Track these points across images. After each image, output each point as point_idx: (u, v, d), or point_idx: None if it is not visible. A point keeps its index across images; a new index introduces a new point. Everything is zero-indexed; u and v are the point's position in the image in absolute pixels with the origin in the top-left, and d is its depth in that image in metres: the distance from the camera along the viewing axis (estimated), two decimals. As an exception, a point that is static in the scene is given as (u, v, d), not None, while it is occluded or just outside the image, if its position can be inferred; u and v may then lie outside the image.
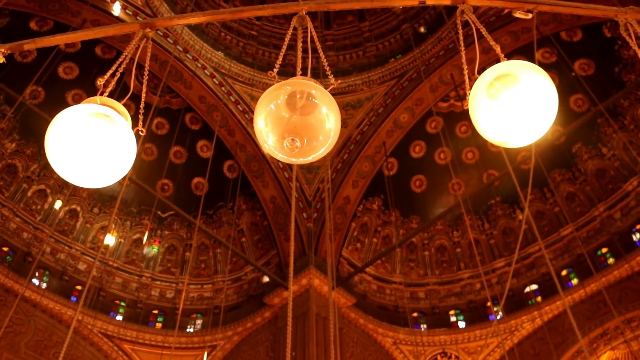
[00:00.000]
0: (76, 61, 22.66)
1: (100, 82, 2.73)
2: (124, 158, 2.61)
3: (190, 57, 22.23)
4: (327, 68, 3.08)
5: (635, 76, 20.67)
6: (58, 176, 22.90)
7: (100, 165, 2.56)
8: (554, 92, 2.95)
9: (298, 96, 2.66)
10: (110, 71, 2.83)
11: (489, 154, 23.59)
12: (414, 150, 24.49)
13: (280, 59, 3.04)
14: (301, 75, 2.95)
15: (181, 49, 21.90)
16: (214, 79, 22.53)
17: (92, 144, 2.55)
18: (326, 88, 2.87)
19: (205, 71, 22.48)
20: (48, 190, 23.01)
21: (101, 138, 2.57)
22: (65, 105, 23.65)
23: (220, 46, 23.90)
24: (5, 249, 21.18)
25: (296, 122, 2.65)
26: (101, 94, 2.90)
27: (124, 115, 2.71)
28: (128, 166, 2.62)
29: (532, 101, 2.93)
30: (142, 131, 2.78)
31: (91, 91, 23.00)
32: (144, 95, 3.02)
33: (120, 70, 3.00)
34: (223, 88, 22.56)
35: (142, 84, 3.17)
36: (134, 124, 2.97)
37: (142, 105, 2.99)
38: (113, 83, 2.93)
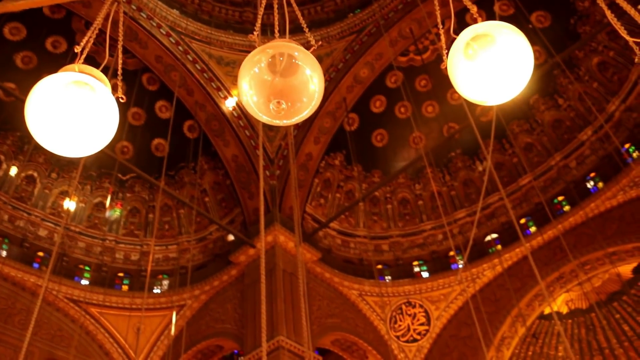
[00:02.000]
0: (23, 21, 21.83)
1: (77, 49, 2.67)
2: (107, 125, 2.58)
3: (145, 16, 21.63)
4: (306, 28, 3.07)
5: (590, 27, 21.00)
6: (12, 142, 22.36)
7: (83, 134, 2.54)
8: (530, 51, 3.03)
9: (281, 59, 2.66)
10: (86, 38, 2.76)
11: (448, 107, 23.86)
12: (374, 105, 24.57)
13: (259, 23, 3.02)
14: (279, 37, 2.95)
15: (135, 8, 21.29)
16: (170, 38, 22.03)
17: (74, 112, 2.52)
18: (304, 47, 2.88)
19: (161, 30, 21.94)
20: (2, 157, 22.40)
21: (83, 106, 2.53)
22: (14, 67, 22.73)
23: (175, 4, 23.27)
24: (-39, 217, 20.69)
25: (279, 85, 2.66)
26: (76, 61, 2.84)
27: (103, 83, 2.67)
28: (112, 133, 2.61)
29: (508, 60, 2.99)
30: (122, 98, 2.75)
31: (42, 53, 22.28)
32: (120, 61, 2.97)
33: (93, 36, 2.93)
34: (180, 47, 22.10)
35: (107, 49, 3.11)
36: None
37: (119, 72, 2.95)
38: (87, 47, 2.88)
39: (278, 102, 2.63)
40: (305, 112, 2.75)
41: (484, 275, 21.62)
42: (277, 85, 2.68)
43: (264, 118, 2.74)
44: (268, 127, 22.82)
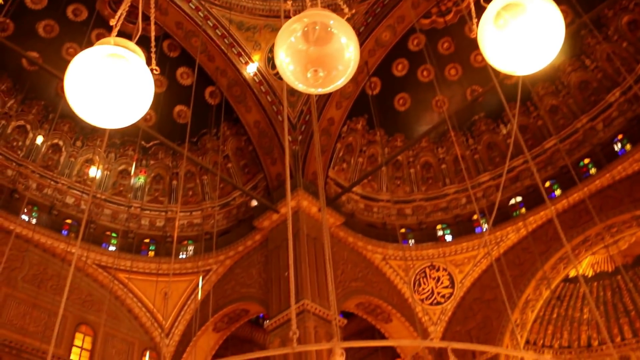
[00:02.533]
0: (43, -11, 21.81)
1: (112, 22, 2.67)
2: (143, 97, 2.61)
3: (164, -19, 21.45)
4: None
5: (620, -16, 20.43)
6: (37, 111, 22.58)
7: (120, 105, 2.56)
8: (561, 22, 2.95)
9: (316, 27, 2.63)
10: (121, 10, 2.75)
11: (472, 70, 23.49)
12: (396, 69, 24.28)
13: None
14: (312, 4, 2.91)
15: (154, -27, 21.09)
16: (190, 4, 21.85)
17: (111, 85, 2.55)
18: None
19: (181, -5, 21.76)
20: (28, 126, 22.66)
21: (119, 78, 2.56)
22: (37, 36, 22.67)
23: (195, -32, 23.05)
24: (-10, 186, 21.08)
25: (315, 53, 2.64)
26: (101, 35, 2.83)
27: (138, 55, 2.69)
28: (148, 104, 2.63)
29: (539, 30, 2.92)
30: (156, 70, 2.76)
31: (63, 21, 22.29)
32: (153, 34, 2.96)
33: (126, 7, 2.91)
34: (200, 13, 21.93)
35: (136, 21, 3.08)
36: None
37: (152, 44, 2.94)
38: (121, 19, 2.86)
39: (315, 70, 2.62)
40: (341, 80, 2.75)
41: (508, 239, 21.58)
42: (312, 54, 2.66)
43: (300, 86, 2.73)
44: (289, 93, 22.71)
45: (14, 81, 22.11)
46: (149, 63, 2.91)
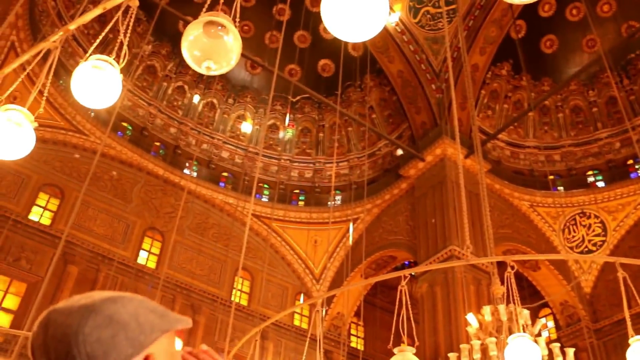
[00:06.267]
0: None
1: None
2: (379, 14, 3.01)
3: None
4: None
5: None
6: (193, 72, 24.15)
7: (363, 22, 3.02)
8: None
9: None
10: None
11: (627, 3, 22.04)
12: (543, 9, 23.32)
13: None
14: None
15: None
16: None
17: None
18: None
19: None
20: (186, 87, 24.36)
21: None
22: (192, 1, 23.84)
23: None
24: (157, 144, 23.02)
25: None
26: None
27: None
28: (384, 21, 3.03)
29: None
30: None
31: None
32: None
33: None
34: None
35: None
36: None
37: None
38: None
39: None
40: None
41: (670, 183, 20.40)
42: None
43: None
44: (432, 41, 22.59)
45: (172, 46, 23.73)
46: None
